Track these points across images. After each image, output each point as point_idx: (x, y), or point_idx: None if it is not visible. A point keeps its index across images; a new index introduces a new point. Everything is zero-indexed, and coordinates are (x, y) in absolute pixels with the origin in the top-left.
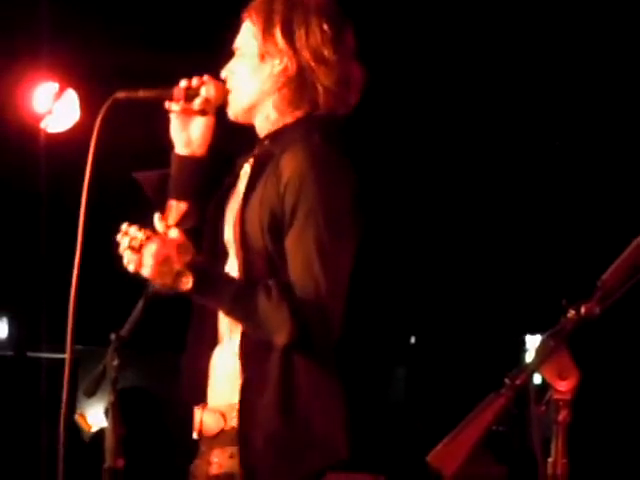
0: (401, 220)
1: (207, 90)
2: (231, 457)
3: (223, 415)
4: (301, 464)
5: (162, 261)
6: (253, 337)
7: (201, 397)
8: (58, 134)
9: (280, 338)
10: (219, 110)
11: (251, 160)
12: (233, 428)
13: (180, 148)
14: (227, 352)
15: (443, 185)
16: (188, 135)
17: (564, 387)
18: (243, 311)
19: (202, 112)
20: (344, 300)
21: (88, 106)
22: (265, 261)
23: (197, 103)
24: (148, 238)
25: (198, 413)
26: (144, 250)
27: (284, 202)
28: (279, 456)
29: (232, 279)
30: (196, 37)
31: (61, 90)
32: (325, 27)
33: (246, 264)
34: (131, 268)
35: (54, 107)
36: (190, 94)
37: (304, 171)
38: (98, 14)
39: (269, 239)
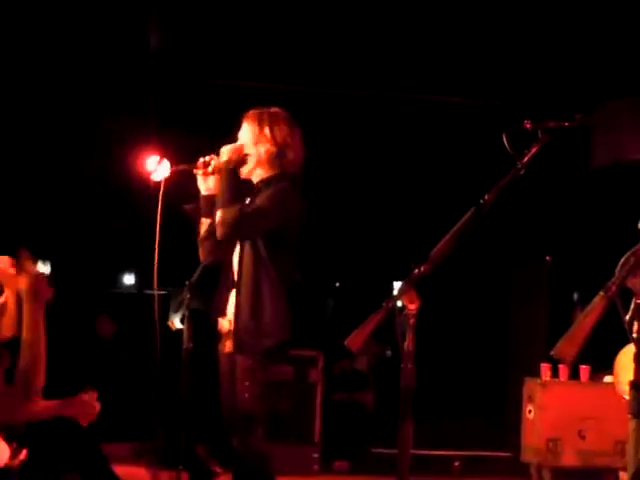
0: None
1: (214, 162)
2: (232, 343)
3: (230, 322)
4: (263, 342)
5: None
6: (242, 282)
7: (223, 313)
8: (158, 182)
9: (223, 228)
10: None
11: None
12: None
13: (203, 192)
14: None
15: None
16: (207, 185)
17: (413, 308)
18: (227, 204)
19: (212, 173)
20: (263, 226)
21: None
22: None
23: (209, 169)
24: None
25: (220, 320)
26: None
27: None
28: (251, 338)
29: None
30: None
31: (160, 159)
32: (288, 128)
33: (241, 248)
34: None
35: (157, 168)
36: (206, 164)
37: (270, 194)
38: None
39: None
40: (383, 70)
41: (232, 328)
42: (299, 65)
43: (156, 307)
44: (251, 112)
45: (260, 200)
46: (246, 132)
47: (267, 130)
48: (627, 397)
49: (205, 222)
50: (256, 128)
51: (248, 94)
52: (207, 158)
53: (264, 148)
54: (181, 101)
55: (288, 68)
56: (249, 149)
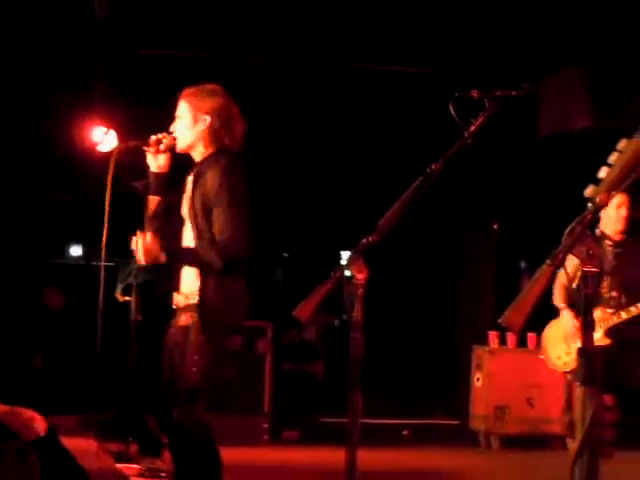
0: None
1: (166, 140)
2: (189, 318)
3: (187, 297)
4: (229, 321)
5: (147, 251)
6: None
7: (176, 287)
8: (105, 153)
9: (217, 266)
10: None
11: (193, 176)
12: (193, 304)
13: (153, 169)
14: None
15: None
16: (157, 163)
17: (361, 278)
18: (194, 262)
19: (164, 151)
20: (248, 238)
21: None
22: (204, 223)
23: (161, 147)
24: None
25: (175, 295)
26: (139, 247)
27: (210, 194)
28: (215, 316)
29: (184, 249)
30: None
31: (107, 130)
32: (226, 104)
33: (195, 225)
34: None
35: (103, 139)
36: (157, 142)
37: (218, 178)
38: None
39: (204, 213)
40: (326, 39)
41: (193, 304)
42: (247, 35)
43: (102, 279)
44: (188, 89)
45: (215, 201)
46: (184, 109)
47: (206, 106)
48: (559, 370)
49: (153, 199)
50: (194, 105)
51: (192, 64)
52: (159, 136)
53: (204, 124)
54: (126, 72)
55: (238, 39)
56: (188, 126)
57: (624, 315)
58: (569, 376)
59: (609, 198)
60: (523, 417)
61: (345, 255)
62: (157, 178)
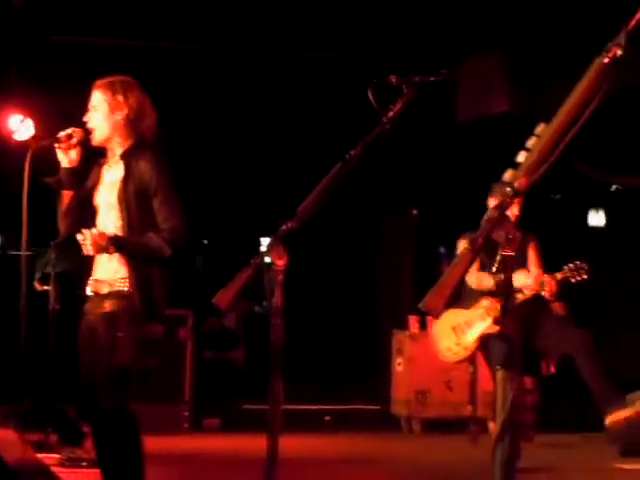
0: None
1: (76, 135)
2: (114, 305)
3: (109, 284)
4: (152, 308)
5: (95, 243)
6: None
7: (90, 274)
8: (22, 141)
9: (166, 254)
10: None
11: (119, 166)
12: (118, 291)
13: (64, 164)
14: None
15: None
16: (69, 158)
17: (281, 264)
18: (141, 252)
19: (74, 146)
20: (184, 221)
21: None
22: (137, 211)
23: (73, 142)
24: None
25: (91, 282)
26: (87, 241)
27: (147, 184)
28: (144, 298)
29: (132, 240)
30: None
31: (23, 119)
32: (140, 95)
33: (126, 213)
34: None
35: (20, 127)
36: (68, 137)
37: (152, 166)
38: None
39: (138, 201)
40: (237, 25)
41: (118, 291)
42: (158, 23)
43: (23, 268)
44: (102, 81)
45: (154, 190)
46: (99, 100)
47: (121, 97)
48: (450, 361)
49: (67, 194)
50: (110, 96)
51: (106, 52)
52: (69, 131)
53: (120, 115)
54: (42, 59)
55: (150, 26)
56: (105, 118)
57: None
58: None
59: (528, 182)
60: (444, 401)
61: (265, 242)
62: (69, 173)
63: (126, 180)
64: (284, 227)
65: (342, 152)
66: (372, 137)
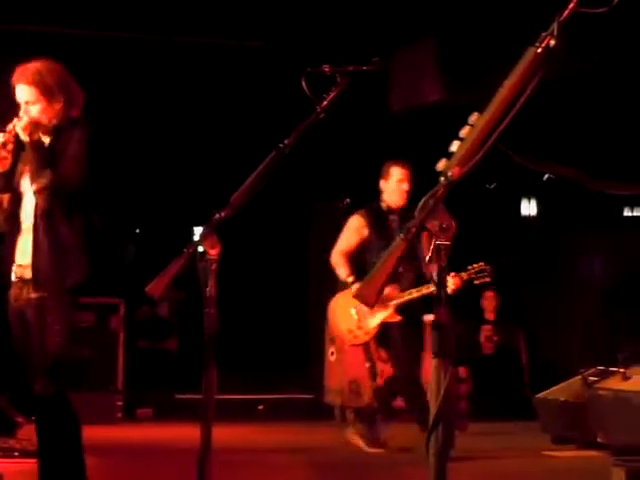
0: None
1: (10, 141)
2: (35, 289)
3: (29, 269)
4: (67, 278)
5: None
6: (39, 228)
7: (12, 260)
8: None
9: (40, 183)
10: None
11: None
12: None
13: None
14: (25, 238)
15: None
16: (1, 163)
17: (214, 253)
18: (40, 168)
19: (9, 152)
20: (80, 176)
21: None
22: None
23: (9, 148)
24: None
25: (14, 267)
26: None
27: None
28: (54, 284)
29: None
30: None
31: None
32: (67, 78)
33: None
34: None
35: None
36: (3, 146)
37: (79, 136)
38: None
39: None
40: (168, 13)
41: (32, 274)
42: (73, 9)
43: None
44: (26, 72)
45: (69, 147)
46: (32, 94)
47: (55, 86)
48: (348, 343)
49: (4, 197)
50: (45, 87)
51: (14, 38)
52: (2, 139)
53: (59, 103)
54: None
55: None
56: (45, 109)
57: (415, 293)
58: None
59: (461, 172)
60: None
61: (198, 231)
62: (2, 177)
63: (53, 159)
64: (217, 216)
65: (276, 141)
66: (306, 126)
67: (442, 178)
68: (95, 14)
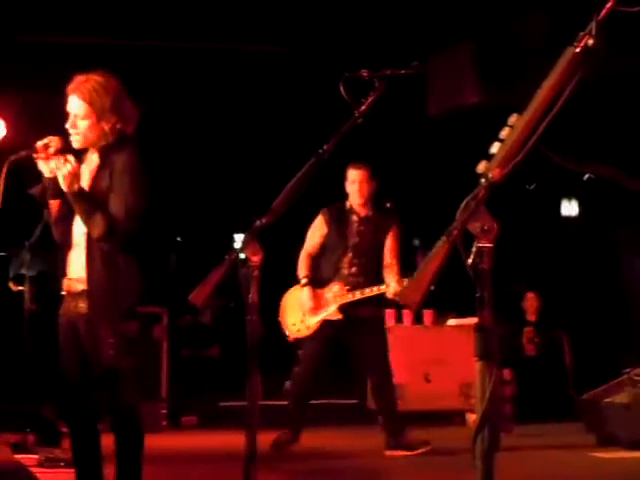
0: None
1: (54, 143)
2: (85, 303)
3: (82, 281)
4: (118, 307)
5: (74, 173)
6: (92, 244)
7: (64, 273)
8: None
9: (95, 232)
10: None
11: (95, 160)
12: (85, 289)
13: (47, 174)
14: (77, 252)
15: None
16: (49, 167)
17: (256, 260)
18: (89, 216)
19: (54, 155)
20: (139, 217)
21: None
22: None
23: (51, 151)
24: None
25: (65, 281)
26: (69, 165)
27: (116, 176)
28: (106, 302)
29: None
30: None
31: None
32: (119, 93)
33: None
34: (58, 172)
35: None
36: (45, 147)
37: (126, 159)
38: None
39: (108, 195)
40: (209, 22)
41: (86, 289)
42: (121, 19)
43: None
44: (81, 82)
45: (122, 178)
46: (82, 108)
47: (107, 103)
48: (292, 336)
49: (54, 203)
50: (96, 102)
51: (77, 51)
52: (45, 140)
53: (108, 122)
54: (9, 59)
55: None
56: (92, 125)
57: (358, 295)
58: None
59: (502, 173)
60: (421, 393)
61: (238, 238)
62: (52, 182)
63: (100, 174)
64: (258, 223)
65: (315, 147)
66: (345, 131)
67: (483, 180)
68: (137, 24)
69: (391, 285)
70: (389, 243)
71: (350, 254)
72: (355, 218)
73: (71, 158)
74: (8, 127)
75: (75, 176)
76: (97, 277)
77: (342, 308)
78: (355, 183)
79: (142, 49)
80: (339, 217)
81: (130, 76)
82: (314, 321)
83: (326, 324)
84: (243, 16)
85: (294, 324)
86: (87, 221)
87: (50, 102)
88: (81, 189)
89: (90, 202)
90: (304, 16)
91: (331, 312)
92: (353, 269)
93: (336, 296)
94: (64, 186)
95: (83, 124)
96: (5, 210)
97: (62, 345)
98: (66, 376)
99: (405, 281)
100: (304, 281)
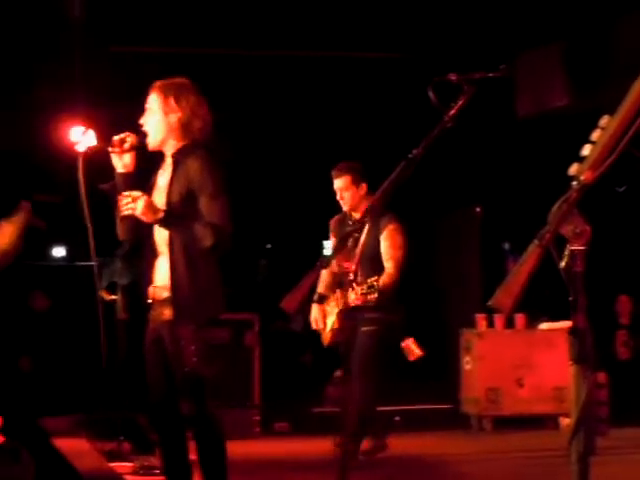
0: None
1: (130, 139)
2: (171, 310)
3: (166, 289)
4: (201, 314)
5: (148, 205)
6: (175, 252)
7: (151, 281)
8: (84, 152)
9: (207, 243)
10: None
11: (169, 167)
12: (169, 296)
13: (119, 169)
14: (162, 260)
15: None
16: (123, 163)
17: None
18: (186, 232)
19: (128, 150)
20: (231, 224)
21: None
22: (182, 211)
23: (126, 146)
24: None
25: (150, 288)
26: (138, 201)
27: (193, 183)
28: (191, 307)
29: (181, 220)
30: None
31: (85, 130)
32: (195, 97)
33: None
34: (130, 212)
35: (82, 138)
36: (121, 142)
37: (200, 166)
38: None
39: (184, 201)
40: (300, 29)
41: (170, 296)
42: (218, 29)
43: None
44: (158, 83)
45: (201, 188)
46: (155, 102)
47: (174, 100)
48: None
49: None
50: (164, 99)
51: (166, 61)
52: (122, 135)
53: (174, 118)
54: (103, 70)
55: (210, 33)
56: (158, 120)
57: (353, 297)
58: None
59: (594, 175)
60: (514, 398)
61: (328, 244)
62: (124, 178)
63: (172, 180)
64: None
65: (404, 151)
66: (434, 135)
67: (574, 182)
68: (231, 33)
69: (350, 296)
70: (383, 245)
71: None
72: (350, 224)
73: (136, 193)
74: (98, 138)
75: (150, 206)
76: (181, 284)
77: (342, 315)
78: (338, 191)
79: (235, 58)
80: (341, 222)
81: (224, 85)
82: (327, 333)
83: (334, 333)
84: (332, 24)
85: (324, 331)
86: (188, 238)
87: (141, 113)
88: (165, 214)
89: (178, 220)
90: (393, 22)
91: (335, 320)
92: (350, 276)
93: (337, 302)
94: (147, 220)
95: (151, 118)
96: (95, 219)
97: (147, 352)
98: (151, 384)
99: (364, 287)
100: (314, 297)
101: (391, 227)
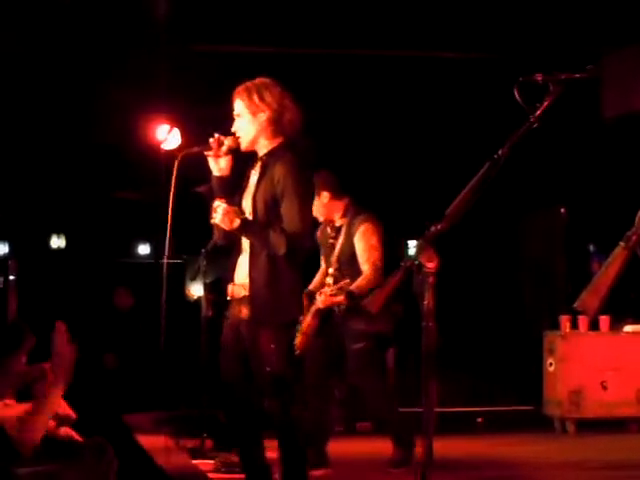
0: None
1: (227, 142)
2: (248, 308)
3: (245, 287)
4: (279, 315)
5: (226, 213)
6: (256, 251)
7: (232, 279)
8: (170, 150)
9: (280, 251)
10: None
11: (258, 169)
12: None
13: (215, 173)
14: (244, 258)
15: None
16: (219, 166)
17: (432, 266)
18: (262, 240)
19: (225, 153)
20: (310, 232)
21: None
22: (266, 215)
23: (223, 149)
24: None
25: (230, 286)
26: (219, 210)
27: (277, 188)
28: (267, 309)
29: (257, 223)
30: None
31: (170, 128)
32: (278, 92)
33: (254, 217)
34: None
35: (167, 137)
36: (219, 145)
37: (287, 171)
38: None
39: (268, 205)
40: (386, 28)
41: (248, 295)
42: (299, 29)
43: (164, 275)
44: (238, 88)
45: (284, 193)
46: (240, 106)
47: (258, 99)
48: None
49: (219, 202)
50: (248, 100)
51: (251, 61)
52: (218, 136)
53: (264, 116)
54: (190, 69)
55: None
56: (248, 122)
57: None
58: None
59: None
60: (598, 401)
61: (412, 244)
62: (220, 181)
63: (260, 183)
64: (433, 229)
65: (489, 152)
66: (519, 136)
67: None
68: (309, 32)
69: (318, 298)
70: (357, 247)
71: (329, 267)
72: (329, 230)
73: (217, 203)
74: (183, 136)
75: (229, 214)
76: (259, 283)
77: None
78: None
79: (315, 57)
80: (323, 231)
81: (300, 82)
82: (299, 336)
83: (304, 338)
84: (420, 24)
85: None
86: (265, 245)
87: (225, 113)
88: (242, 222)
89: (256, 228)
90: (479, 22)
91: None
92: (330, 280)
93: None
94: (226, 229)
95: (241, 122)
96: (182, 218)
97: (224, 348)
98: (225, 379)
99: (333, 288)
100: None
101: (363, 228)
